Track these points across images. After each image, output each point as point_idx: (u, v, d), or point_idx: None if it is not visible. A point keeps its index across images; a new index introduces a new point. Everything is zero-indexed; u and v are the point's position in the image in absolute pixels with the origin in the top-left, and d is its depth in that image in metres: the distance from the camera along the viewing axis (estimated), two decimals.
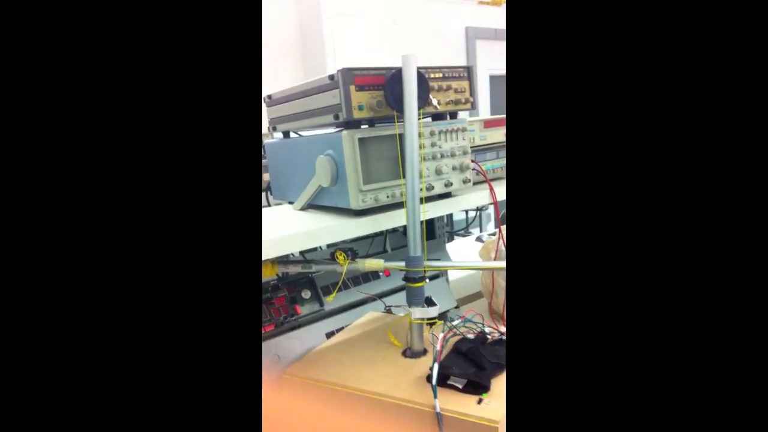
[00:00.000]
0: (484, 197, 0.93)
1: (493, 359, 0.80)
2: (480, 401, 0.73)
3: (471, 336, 0.87)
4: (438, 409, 0.71)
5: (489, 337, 0.87)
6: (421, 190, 0.81)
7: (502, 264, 0.95)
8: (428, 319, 0.84)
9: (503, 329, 0.87)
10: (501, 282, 1.14)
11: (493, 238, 1.27)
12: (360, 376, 0.82)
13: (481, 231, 2.35)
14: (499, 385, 0.75)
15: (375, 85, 0.79)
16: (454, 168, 0.88)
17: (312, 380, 0.83)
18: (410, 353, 0.87)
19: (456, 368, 0.77)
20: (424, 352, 0.87)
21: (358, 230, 0.82)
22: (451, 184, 0.88)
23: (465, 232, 2.31)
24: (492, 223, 2.36)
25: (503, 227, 1.06)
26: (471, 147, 0.95)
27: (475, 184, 0.95)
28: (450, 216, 2.27)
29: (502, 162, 1.04)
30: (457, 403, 0.72)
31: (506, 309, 0.76)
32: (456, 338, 0.88)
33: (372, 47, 3.27)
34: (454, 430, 0.70)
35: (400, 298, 1.10)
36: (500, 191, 0.94)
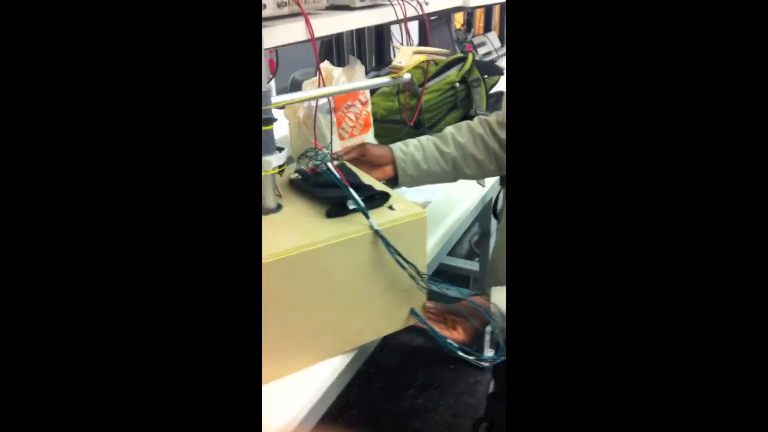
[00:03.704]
0: (299, 31, 0.80)
1: (352, 178, 0.80)
2: (391, 207, 0.75)
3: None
4: (376, 227, 0.70)
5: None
6: None
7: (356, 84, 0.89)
8: (279, 166, 0.76)
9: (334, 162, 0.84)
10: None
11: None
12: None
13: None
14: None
15: None
16: None
17: None
18: (265, 212, 0.77)
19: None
20: (278, 207, 0.78)
21: None
22: (264, 6, 0.74)
23: None
24: None
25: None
26: None
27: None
28: None
29: None
30: (378, 217, 0.72)
31: (506, 308, 0.78)
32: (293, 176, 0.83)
33: None
34: (394, 240, 0.71)
35: None
36: (317, 24, 0.83)
